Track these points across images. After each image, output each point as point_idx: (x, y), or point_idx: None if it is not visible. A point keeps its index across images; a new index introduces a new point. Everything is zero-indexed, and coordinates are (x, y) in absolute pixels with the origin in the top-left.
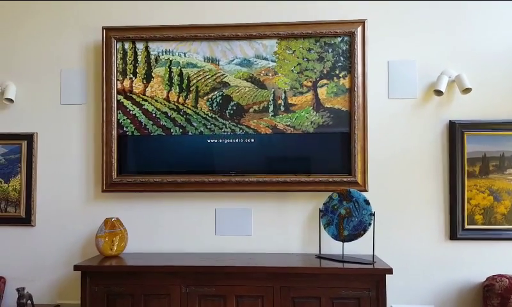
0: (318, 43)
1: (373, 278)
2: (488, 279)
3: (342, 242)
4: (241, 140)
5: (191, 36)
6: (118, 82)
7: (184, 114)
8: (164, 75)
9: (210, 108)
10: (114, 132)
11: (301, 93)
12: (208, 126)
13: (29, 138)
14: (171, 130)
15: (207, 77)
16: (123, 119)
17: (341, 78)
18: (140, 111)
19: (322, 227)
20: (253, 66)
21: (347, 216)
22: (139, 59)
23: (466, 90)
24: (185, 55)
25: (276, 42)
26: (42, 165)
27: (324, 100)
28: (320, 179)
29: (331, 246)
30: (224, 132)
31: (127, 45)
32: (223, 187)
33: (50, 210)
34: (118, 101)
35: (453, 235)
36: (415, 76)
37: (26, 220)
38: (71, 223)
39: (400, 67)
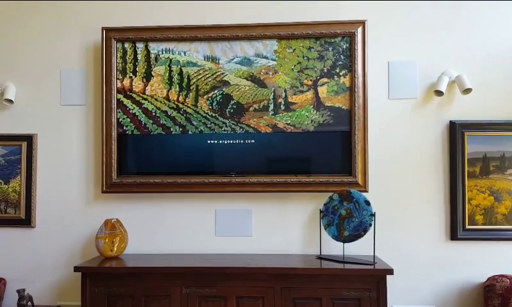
0: (318, 42)
1: (374, 279)
2: (488, 279)
3: (342, 243)
4: (241, 140)
5: (191, 36)
6: (118, 80)
7: (183, 113)
8: (164, 73)
9: (210, 107)
10: (114, 133)
11: (302, 92)
12: (208, 125)
13: (29, 139)
14: (171, 129)
15: (207, 75)
16: (123, 118)
17: (341, 77)
18: (140, 110)
19: (322, 228)
20: (253, 65)
21: (348, 217)
22: (139, 58)
23: (467, 90)
24: (185, 54)
25: (277, 41)
26: (42, 166)
27: (324, 99)
28: (321, 180)
29: (332, 247)
30: (224, 130)
31: (127, 44)
32: (223, 188)
33: (50, 211)
34: (118, 100)
35: (454, 235)
36: (416, 76)
37: (26, 221)
38: (71, 224)
39: (400, 67)
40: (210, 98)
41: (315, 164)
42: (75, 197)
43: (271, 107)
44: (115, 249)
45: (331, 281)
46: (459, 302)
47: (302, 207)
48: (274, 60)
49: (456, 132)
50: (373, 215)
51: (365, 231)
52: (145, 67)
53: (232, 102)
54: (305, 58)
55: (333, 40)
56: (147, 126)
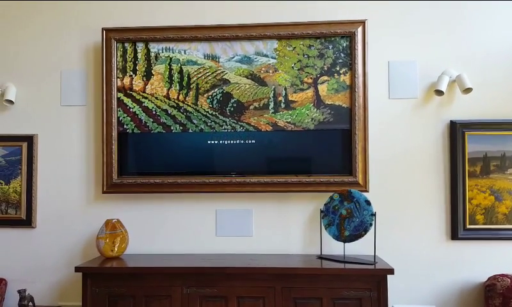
0: (318, 40)
1: (374, 278)
2: (489, 279)
3: (343, 243)
4: (242, 141)
5: (191, 36)
6: (118, 79)
7: (184, 112)
8: (164, 72)
9: (211, 105)
10: (115, 133)
11: (302, 90)
12: (209, 124)
13: (30, 140)
14: (172, 128)
15: (207, 74)
16: (123, 117)
17: (341, 75)
18: (140, 109)
19: (323, 227)
20: (254, 63)
21: (348, 216)
22: (139, 57)
23: (467, 90)
24: (185, 53)
25: (277, 40)
26: (42, 166)
27: (324, 97)
28: (321, 179)
29: (332, 247)
30: (224, 129)
31: (127, 44)
32: (223, 188)
33: (50, 211)
34: (118, 98)
35: (454, 235)
36: (416, 76)
37: (27, 222)
38: (72, 224)
39: (400, 67)
40: (210, 97)
41: (316, 163)
42: (75, 198)
43: (271, 105)
44: (116, 249)
45: (332, 280)
46: (459, 302)
47: (302, 207)
48: (275, 58)
49: (457, 131)
50: (374, 215)
51: (366, 231)
52: (145, 66)
53: (232, 101)
54: (305, 56)
55: (333, 38)
56: (147, 124)
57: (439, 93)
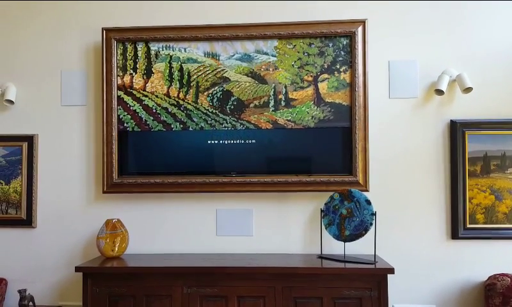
0: (319, 38)
1: (375, 278)
2: (489, 278)
3: (343, 242)
4: (242, 141)
5: (191, 36)
6: (118, 77)
7: (184, 110)
8: (165, 70)
9: (211, 103)
10: (115, 133)
11: (302, 88)
12: (209, 122)
13: (30, 140)
14: (172, 126)
15: (208, 72)
16: (124, 115)
17: (342, 73)
18: (140, 107)
19: (323, 227)
20: (254, 61)
21: (349, 216)
22: (140, 55)
23: (467, 89)
24: (185, 51)
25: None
26: (43, 166)
27: (324, 95)
28: (321, 179)
29: (333, 246)
30: (224, 127)
31: (127, 43)
32: (223, 188)
33: (51, 211)
34: (119, 97)
35: (454, 235)
36: (416, 76)
37: (27, 222)
38: (72, 224)
39: (401, 67)
40: (210, 95)
41: (316, 163)
42: (76, 198)
43: (272, 103)
44: (116, 249)
45: (332, 280)
46: (460, 301)
47: (303, 207)
48: (275, 56)
49: (457, 131)
50: (374, 214)
51: (366, 230)
52: (145, 64)
53: (233, 99)
54: (305, 54)
55: (333, 36)
56: (148, 123)
57: (439, 92)
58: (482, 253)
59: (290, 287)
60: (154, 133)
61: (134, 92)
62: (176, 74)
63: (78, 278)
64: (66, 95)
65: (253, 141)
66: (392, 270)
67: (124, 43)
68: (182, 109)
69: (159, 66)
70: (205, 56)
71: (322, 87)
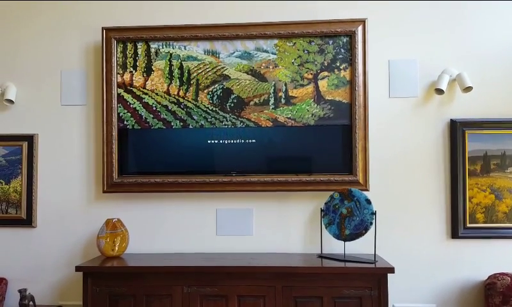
0: (319, 36)
1: (375, 277)
2: (489, 277)
3: (343, 242)
4: (242, 140)
5: (191, 36)
6: (118, 75)
7: (184, 108)
8: (165, 68)
9: (211, 101)
10: (115, 133)
11: (302, 86)
12: (209, 120)
13: (30, 139)
14: (172, 124)
15: (208, 69)
16: (124, 113)
17: (342, 71)
18: (140, 105)
19: (323, 226)
20: (254, 59)
21: (349, 215)
22: (139, 53)
23: (467, 89)
24: (185, 49)
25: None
26: (43, 166)
27: (324, 92)
28: (322, 178)
29: (333, 246)
30: (224, 125)
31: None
32: (224, 187)
33: (51, 211)
34: (119, 94)
35: (454, 234)
36: (416, 75)
37: (27, 221)
38: (72, 224)
39: (401, 66)
40: (210, 93)
41: (316, 162)
42: (76, 197)
43: (272, 101)
44: (116, 248)
45: (332, 279)
46: (460, 301)
47: (303, 206)
48: (275, 54)
49: (457, 130)
50: (374, 213)
51: (366, 229)
52: (145, 62)
53: (233, 96)
54: (305, 52)
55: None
56: (148, 120)
57: (439, 91)
58: (482, 252)
59: (291, 286)
60: (154, 132)
61: (134, 90)
62: (176, 72)
63: (78, 278)
64: (66, 95)
65: (253, 141)
66: (392, 270)
67: (124, 42)
68: (182, 106)
69: (159, 64)
70: (205, 54)
71: (322, 84)
